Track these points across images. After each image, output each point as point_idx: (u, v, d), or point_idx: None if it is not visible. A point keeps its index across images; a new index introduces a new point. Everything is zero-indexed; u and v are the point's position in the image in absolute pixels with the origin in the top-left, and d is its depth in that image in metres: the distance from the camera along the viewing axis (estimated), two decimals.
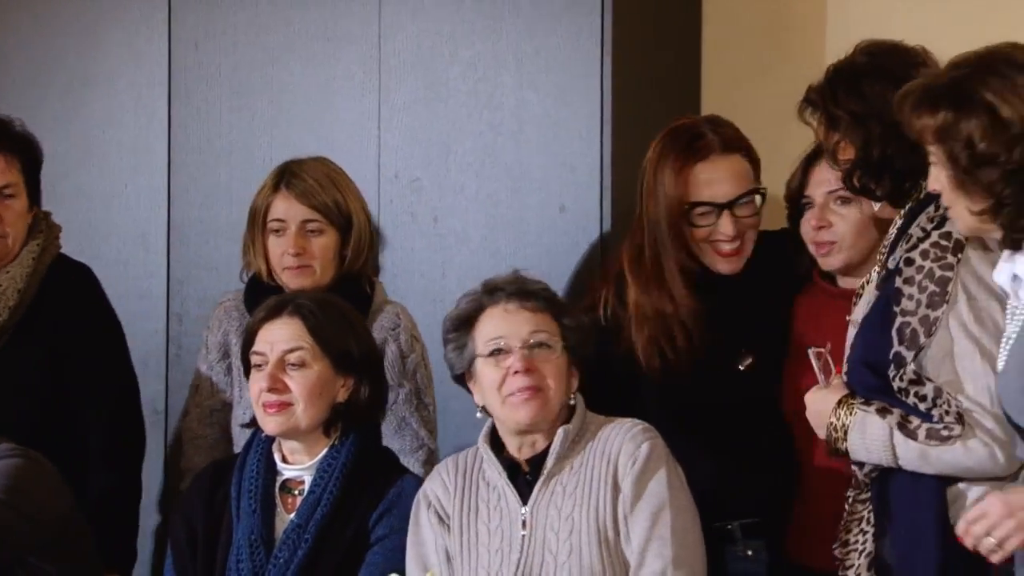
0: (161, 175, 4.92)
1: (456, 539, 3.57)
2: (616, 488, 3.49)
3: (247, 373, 3.76)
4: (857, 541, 3.38)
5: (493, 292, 3.61)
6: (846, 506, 3.43)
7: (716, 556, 3.66)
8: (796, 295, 4.00)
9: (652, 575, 3.43)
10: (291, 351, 3.66)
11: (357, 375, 3.71)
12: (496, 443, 3.60)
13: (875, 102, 3.46)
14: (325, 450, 3.69)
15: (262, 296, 4.03)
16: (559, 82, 4.62)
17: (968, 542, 3.04)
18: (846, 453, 3.33)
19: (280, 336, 3.68)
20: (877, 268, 3.45)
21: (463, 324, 3.61)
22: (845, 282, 3.87)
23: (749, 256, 3.97)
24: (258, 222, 4.18)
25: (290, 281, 4.11)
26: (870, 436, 3.28)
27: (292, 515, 3.65)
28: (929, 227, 3.35)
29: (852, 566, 3.38)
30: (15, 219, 4.20)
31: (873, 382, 3.33)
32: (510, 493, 3.56)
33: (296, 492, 3.69)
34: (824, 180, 3.86)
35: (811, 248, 3.90)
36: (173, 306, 4.89)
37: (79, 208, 4.73)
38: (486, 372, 3.55)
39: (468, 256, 4.48)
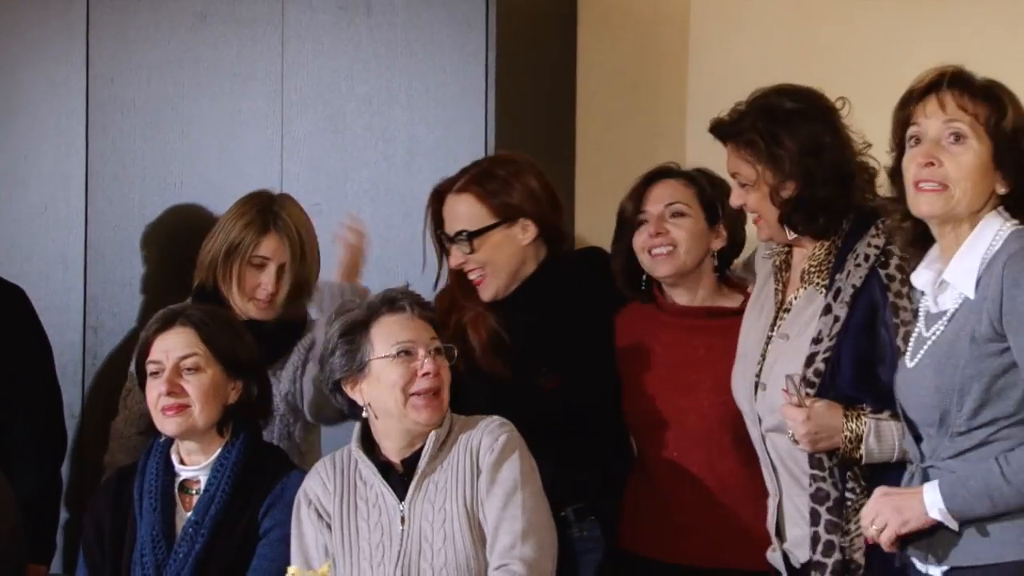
0: (79, 199, 4.90)
1: (337, 535, 3.57)
2: (478, 475, 3.53)
3: (143, 383, 3.73)
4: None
5: (395, 301, 3.60)
6: (847, 499, 3.42)
7: (562, 540, 3.65)
8: (617, 313, 3.99)
9: (503, 548, 3.45)
10: (186, 357, 3.65)
11: (246, 378, 3.72)
12: (367, 445, 3.60)
13: (813, 143, 3.51)
14: (219, 450, 3.68)
15: None
16: (446, 117, 4.65)
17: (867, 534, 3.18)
18: (859, 459, 3.38)
19: (175, 344, 3.67)
20: (815, 286, 3.52)
21: (356, 329, 3.59)
22: (677, 297, 3.90)
23: (538, 282, 3.95)
24: (241, 254, 4.15)
25: (256, 312, 4.12)
26: (885, 439, 3.36)
27: (190, 512, 3.64)
28: (882, 244, 3.46)
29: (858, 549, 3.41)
30: None
31: (862, 378, 3.40)
32: (387, 492, 3.56)
33: (193, 491, 3.67)
34: (663, 196, 3.89)
35: (644, 258, 3.89)
36: (89, 319, 4.86)
37: (3, 230, 4.73)
38: (388, 372, 3.53)
39: (364, 275, 4.45)
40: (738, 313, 3.83)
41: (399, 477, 3.57)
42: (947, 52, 4.57)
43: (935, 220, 3.16)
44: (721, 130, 3.61)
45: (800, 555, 3.50)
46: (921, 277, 3.23)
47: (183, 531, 3.62)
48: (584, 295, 3.96)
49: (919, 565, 3.17)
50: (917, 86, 3.21)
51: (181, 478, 3.70)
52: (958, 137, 3.11)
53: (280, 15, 4.79)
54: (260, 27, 4.81)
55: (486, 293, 3.93)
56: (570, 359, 3.85)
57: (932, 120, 3.14)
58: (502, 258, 3.93)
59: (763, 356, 3.58)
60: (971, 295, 3.10)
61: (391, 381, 3.53)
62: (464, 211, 3.94)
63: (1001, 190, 3.13)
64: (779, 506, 3.57)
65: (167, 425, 3.66)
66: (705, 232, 3.91)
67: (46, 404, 4.32)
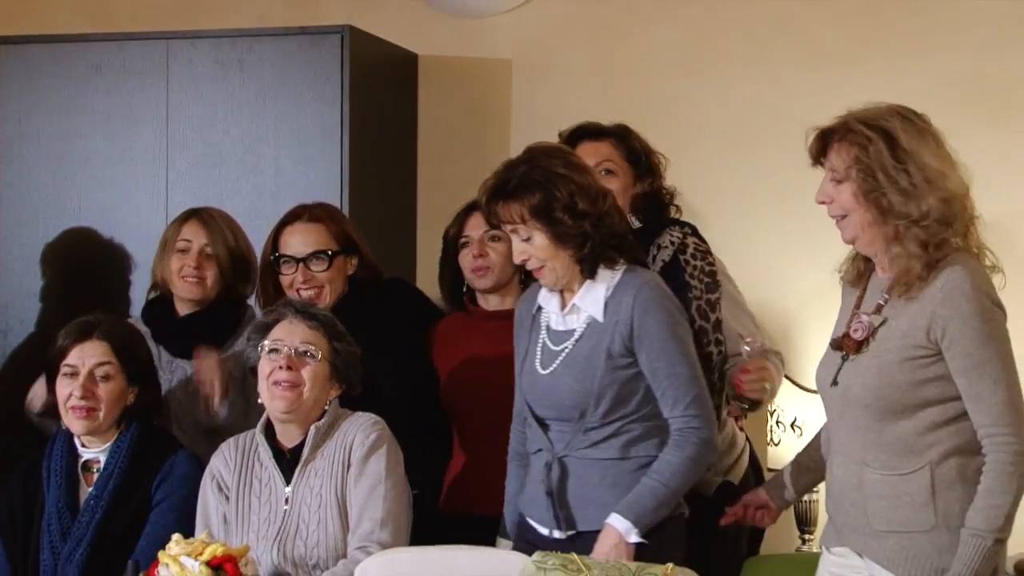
0: None
1: (233, 506, 3.51)
2: (349, 468, 3.47)
3: (52, 379, 3.67)
4: None
5: (287, 307, 3.57)
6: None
7: None
8: (433, 325, 3.98)
9: (364, 532, 3.40)
10: (100, 365, 3.61)
11: (142, 384, 3.69)
12: (270, 432, 3.54)
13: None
14: (116, 436, 3.64)
15: (158, 311, 4.02)
16: (308, 154, 4.66)
17: None
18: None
19: (92, 353, 3.62)
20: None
21: (263, 329, 3.55)
22: (489, 303, 3.92)
23: (341, 305, 3.88)
24: (170, 244, 4.05)
25: (188, 291, 4.01)
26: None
27: (91, 488, 3.59)
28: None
29: None
30: None
31: None
32: (277, 475, 3.50)
33: (94, 470, 3.62)
34: (481, 224, 3.86)
35: (469, 274, 3.92)
36: None
37: None
38: (262, 365, 3.50)
39: None
40: None
41: (287, 462, 3.52)
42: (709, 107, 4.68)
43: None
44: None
45: None
46: (551, 301, 3.37)
47: (85, 503, 3.56)
48: (389, 315, 3.93)
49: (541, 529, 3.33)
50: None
51: (84, 459, 3.64)
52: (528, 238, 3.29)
53: (165, 67, 4.78)
54: (148, 77, 4.80)
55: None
56: (375, 368, 3.73)
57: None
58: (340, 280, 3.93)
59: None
60: (600, 318, 3.28)
61: (262, 373, 3.50)
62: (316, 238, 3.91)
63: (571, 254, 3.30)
64: None
65: (75, 424, 3.61)
66: (509, 252, 3.83)
67: None
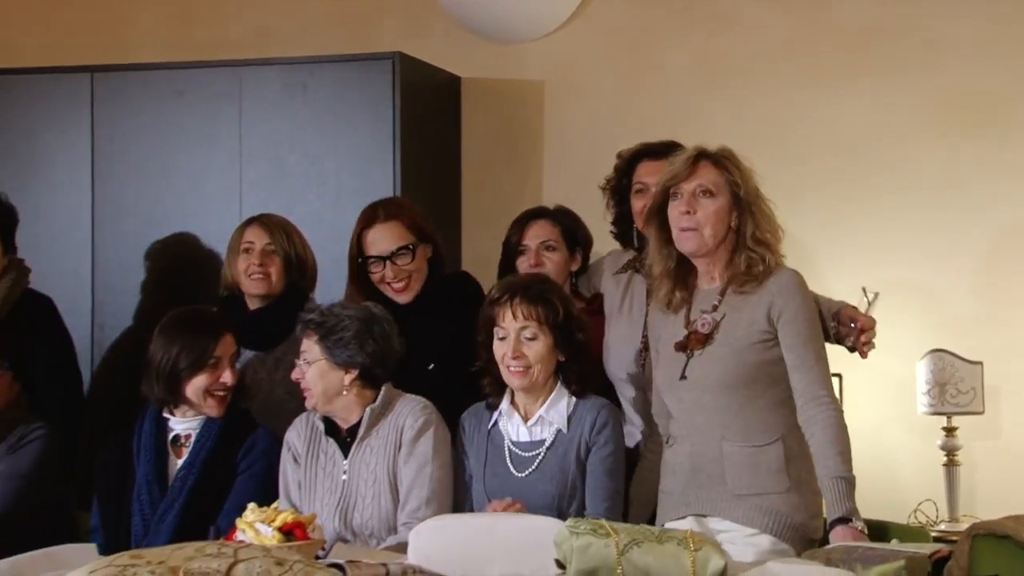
0: (87, 229, 4.88)
1: (303, 475, 3.51)
2: (400, 449, 3.45)
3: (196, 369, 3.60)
4: None
5: (302, 322, 3.53)
6: None
7: None
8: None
9: (411, 509, 3.38)
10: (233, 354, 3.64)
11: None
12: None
13: None
14: None
15: (231, 308, 3.98)
16: (365, 167, 4.67)
17: None
18: None
19: (230, 343, 3.63)
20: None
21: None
22: None
23: (424, 291, 3.85)
24: (235, 247, 4.05)
25: (255, 287, 4.00)
26: None
27: (182, 459, 3.57)
28: None
29: None
30: None
31: None
32: (337, 450, 3.49)
33: (183, 444, 3.60)
34: (539, 235, 3.90)
35: None
36: (96, 319, 4.83)
37: (30, 254, 4.45)
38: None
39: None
40: (587, 313, 3.82)
41: (345, 440, 3.51)
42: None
43: (522, 391, 3.41)
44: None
45: None
46: (514, 419, 3.42)
47: (176, 474, 3.54)
48: (456, 304, 3.85)
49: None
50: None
51: (173, 433, 3.61)
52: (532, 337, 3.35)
53: (238, 91, 4.81)
54: (223, 100, 4.82)
55: (407, 297, 3.85)
56: (444, 349, 3.74)
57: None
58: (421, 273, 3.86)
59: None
60: (565, 429, 3.36)
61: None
62: (396, 234, 3.83)
63: (561, 359, 3.39)
64: None
65: (215, 409, 3.60)
66: (567, 259, 3.93)
67: (71, 387, 4.21)
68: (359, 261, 3.86)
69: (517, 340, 3.37)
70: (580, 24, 5.05)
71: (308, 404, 3.51)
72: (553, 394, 3.42)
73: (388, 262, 3.82)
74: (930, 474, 4.56)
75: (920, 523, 4.41)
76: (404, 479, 3.43)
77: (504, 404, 3.46)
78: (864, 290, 3.27)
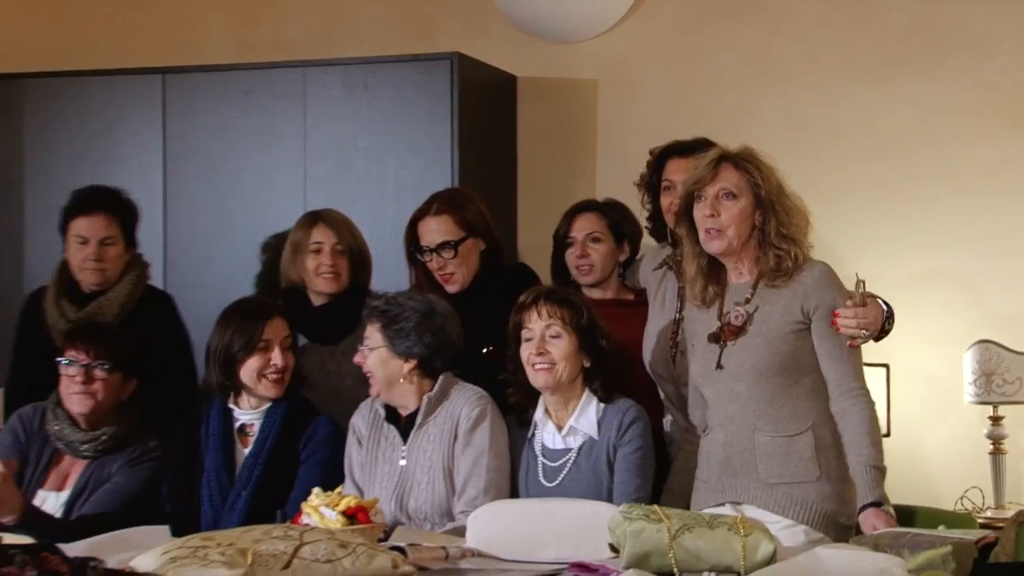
0: (159, 224, 4.91)
1: (365, 457, 3.51)
2: (456, 438, 3.44)
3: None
4: None
5: (370, 311, 3.54)
6: None
7: None
8: None
9: (469, 499, 3.36)
10: (287, 337, 3.60)
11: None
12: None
13: None
14: (270, 402, 3.60)
15: (295, 304, 3.92)
16: (424, 164, 4.69)
17: None
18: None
19: (280, 328, 3.60)
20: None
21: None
22: (592, 294, 3.87)
23: (474, 281, 3.84)
24: (303, 247, 3.99)
25: (326, 286, 3.97)
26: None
27: (248, 448, 3.56)
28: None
29: None
30: (114, 259, 4.03)
31: None
32: (397, 437, 3.50)
33: (248, 433, 3.59)
34: (584, 227, 3.90)
35: (573, 270, 3.90)
36: None
37: None
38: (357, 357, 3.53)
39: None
40: (634, 304, 3.88)
41: (405, 427, 3.50)
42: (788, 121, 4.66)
43: (548, 390, 3.40)
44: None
45: None
46: (548, 427, 3.42)
47: (245, 461, 3.54)
48: (512, 292, 3.78)
49: None
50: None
51: (239, 423, 3.60)
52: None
53: (302, 91, 4.84)
54: (288, 100, 4.85)
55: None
56: (496, 334, 3.66)
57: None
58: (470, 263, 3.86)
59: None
60: (596, 436, 3.36)
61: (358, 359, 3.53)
62: (443, 228, 3.84)
63: (586, 364, 3.39)
64: None
65: (272, 389, 3.57)
66: (614, 251, 3.92)
67: (185, 380, 4.09)
68: (412, 249, 3.90)
69: (542, 339, 3.38)
70: (632, 24, 5.03)
71: (372, 391, 3.52)
72: (582, 402, 3.41)
73: (434, 254, 3.84)
74: (976, 462, 4.51)
75: (967, 510, 4.37)
76: (461, 469, 3.42)
77: (538, 413, 3.45)
78: (856, 275, 3.26)
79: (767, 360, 3.22)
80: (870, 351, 4.53)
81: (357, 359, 3.53)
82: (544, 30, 5.11)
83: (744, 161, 3.27)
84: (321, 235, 4.01)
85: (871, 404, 3.23)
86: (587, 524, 2.98)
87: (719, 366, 3.27)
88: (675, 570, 2.67)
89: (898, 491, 4.50)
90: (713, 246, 3.27)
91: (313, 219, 4.07)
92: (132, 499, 3.55)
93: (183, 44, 5.41)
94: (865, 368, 4.40)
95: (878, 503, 3.12)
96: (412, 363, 3.48)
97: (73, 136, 5.05)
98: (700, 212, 3.26)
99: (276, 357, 3.56)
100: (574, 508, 3.12)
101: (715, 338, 3.29)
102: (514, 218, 5.07)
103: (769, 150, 4.75)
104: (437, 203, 3.90)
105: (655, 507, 2.78)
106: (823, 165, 4.80)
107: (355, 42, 5.24)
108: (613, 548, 2.80)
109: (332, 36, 5.32)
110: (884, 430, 4.37)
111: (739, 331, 3.25)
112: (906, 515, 3.43)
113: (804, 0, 4.87)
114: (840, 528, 3.20)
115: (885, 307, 3.30)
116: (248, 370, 3.57)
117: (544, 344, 3.37)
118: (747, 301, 3.28)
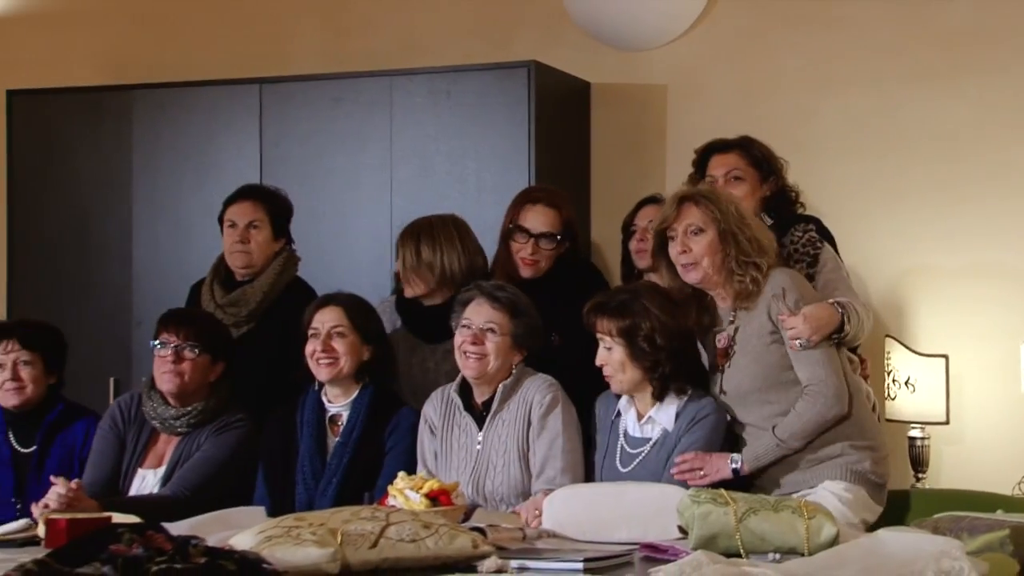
0: None
1: (439, 445, 3.52)
2: (530, 424, 3.44)
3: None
4: None
5: (477, 288, 3.54)
6: None
7: None
8: None
9: (548, 479, 3.36)
10: (336, 327, 3.59)
11: (374, 344, 3.64)
12: (465, 386, 3.54)
13: None
14: (356, 392, 3.62)
15: (406, 305, 3.92)
16: (503, 167, 4.69)
17: None
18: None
19: (328, 318, 3.60)
20: None
21: (463, 303, 3.53)
22: (651, 279, 3.80)
23: (551, 270, 3.85)
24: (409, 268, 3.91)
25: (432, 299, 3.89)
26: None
27: (338, 437, 3.59)
28: None
29: None
30: (260, 244, 4.05)
31: None
32: (472, 423, 3.50)
33: (339, 422, 3.62)
34: (647, 216, 3.97)
35: (634, 256, 4.02)
36: None
37: (202, 249, 4.62)
38: (457, 336, 3.52)
39: None
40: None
41: (480, 413, 3.51)
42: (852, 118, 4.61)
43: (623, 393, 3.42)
44: None
45: None
46: (630, 414, 3.41)
47: (334, 449, 3.57)
48: (584, 286, 3.81)
49: None
50: None
51: (330, 413, 3.63)
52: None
53: (389, 98, 4.86)
54: (375, 107, 4.87)
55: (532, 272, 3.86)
56: (562, 324, 3.69)
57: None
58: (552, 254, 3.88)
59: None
60: (670, 429, 3.34)
61: (456, 341, 3.51)
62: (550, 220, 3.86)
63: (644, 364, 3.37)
64: None
65: (321, 372, 3.59)
66: None
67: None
68: (510, 227, 3.89)
69: (602, 351, 3.40)
70: (700, 32, 5.01)
71: (479, 368, 3.46)
72: (666, 397, 3.38)
73: (533, 240, 3.85)
74: None
75: None
76: (538, 451, 3.42)
77: (623, 399, 3.45)
78: (783, 290, 3.35)
79: (760, 375, 3.32)
80: (929, 343, 4.54)
81: (470, 348, 3.45)
82: (615, 38, 5.09)
83: (703, 198, 3.36)
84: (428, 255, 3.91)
85: (821, 401, 3.26)
86: (657, 507, 2.99)
87: (722, 391, 3.36)
88: (741, 551, 2.67)
89: (957, 477, 4.50)
90: (691, 277, 3.37)
91: (417, 238, 3.92)
92: (219, 463, 3.62)
93: (278, 56, 5.46)
94: (924, 359, 4.42)
95: (739, 459, 3.26)
96: (521, 356, 3.52)
97: (177, 142, 5.12)
98: (674, 249, 3.37)
99: (316, 343, 3.59)
100: (644, 491, 3.12)
101: (712, 367, 3.42)
102: (587, 217, 5.05)
103: (830, 151, 4.81)
104: (550, 195, 3.95)
105: (722, 491, 2.79)
106: (883, 165, 4.76)
107: (438, 52, 5.25)
108: (682, 530, 2.80)
109: (416, 46, 5.34)
110: (943, 418, 4.36)
111: (727, 353, 3.35)
112: (966, 500, 3.40)
113: (864, 6, 4.82)
114: (875, 487, 3.30)
115: (840, 309, 3.31)
116: (307, 355, 3.61)
117: (602, 356, 3.39)
118: (730, 323, 3.38)
